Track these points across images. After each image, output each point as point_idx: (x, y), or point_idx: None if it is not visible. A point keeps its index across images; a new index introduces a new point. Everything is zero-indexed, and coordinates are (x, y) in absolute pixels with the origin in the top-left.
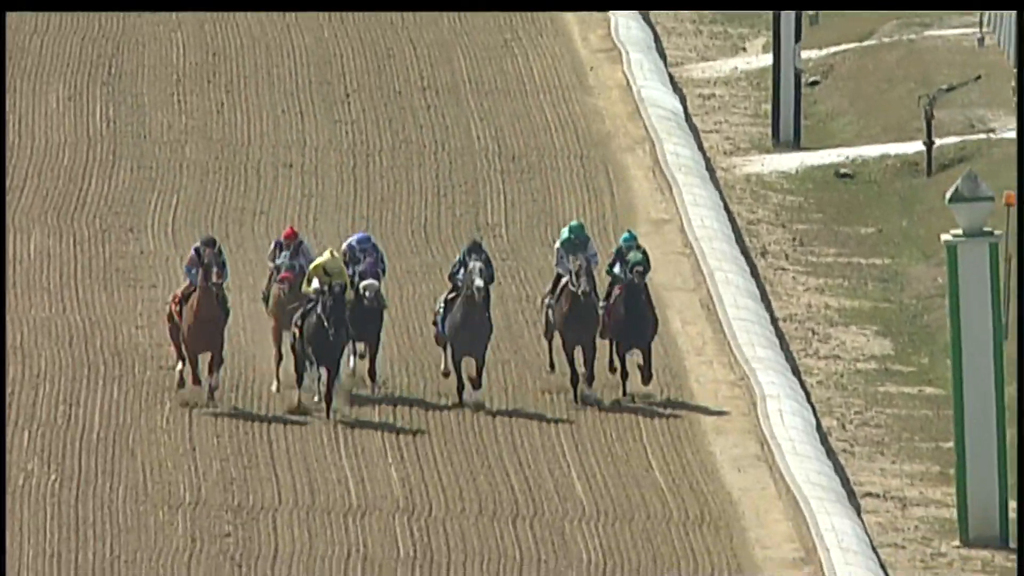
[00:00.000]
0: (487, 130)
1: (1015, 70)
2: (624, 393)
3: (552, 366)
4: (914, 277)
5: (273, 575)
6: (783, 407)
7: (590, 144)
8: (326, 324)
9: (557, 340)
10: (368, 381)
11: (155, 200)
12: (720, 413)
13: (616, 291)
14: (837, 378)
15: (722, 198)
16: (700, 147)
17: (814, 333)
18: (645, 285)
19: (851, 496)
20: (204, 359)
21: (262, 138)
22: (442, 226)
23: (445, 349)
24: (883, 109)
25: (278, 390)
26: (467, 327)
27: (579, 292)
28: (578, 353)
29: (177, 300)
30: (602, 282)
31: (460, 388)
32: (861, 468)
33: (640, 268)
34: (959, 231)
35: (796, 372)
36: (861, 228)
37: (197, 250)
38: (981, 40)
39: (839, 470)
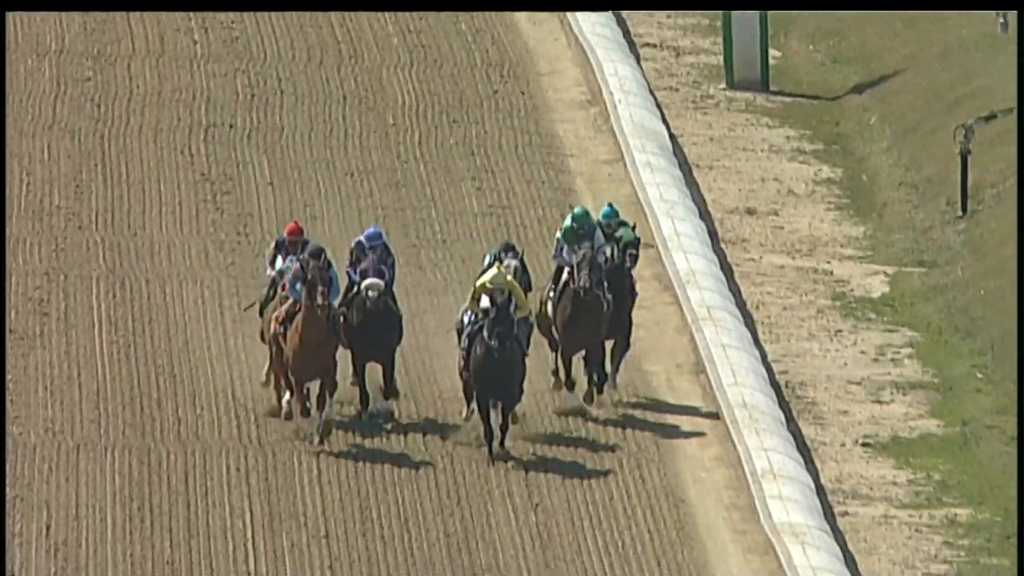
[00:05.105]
0: None
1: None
2: (599, 391)
3: (557, 371)
4: None
5: (128, 113)
6: None
7: None
8: (492, 346)
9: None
10: (382, 396)
11: None
12: None
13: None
14: None
15: None
16: None
17: None
18: (629, 271)
19: (632, 46)
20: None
21: None
22: None
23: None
24: None
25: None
26: None
27: (579, 288)
28: (580, 357)
29: (280, 320)
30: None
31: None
32: (640, 21)
33: (635, 251)
34: None
35: None
36: None
37: (302, 263)
38: (1005, 25)
39: (620, 22)
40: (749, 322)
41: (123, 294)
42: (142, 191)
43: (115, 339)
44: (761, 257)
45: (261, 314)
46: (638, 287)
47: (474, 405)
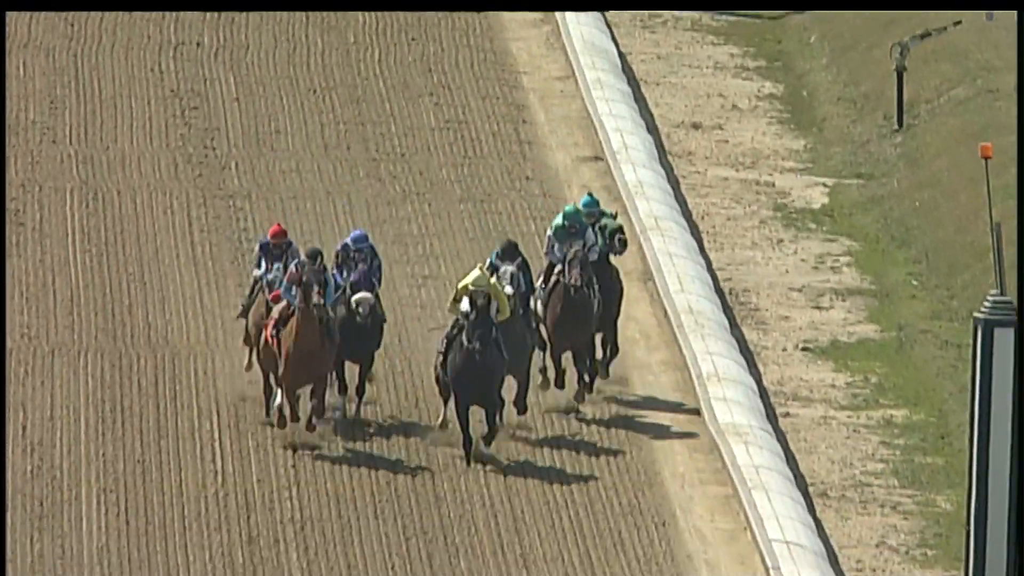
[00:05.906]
0: None
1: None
2: (589, 389)
3: (545, 369)
4: None
5: (100, 32)
6: None
7: None
8: (473, 349)
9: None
10: (355, 397)
11: None
12: None
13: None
14: None
15: None
16: None
17: None
18: (611, 258)
19: None
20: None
21: None
22: None
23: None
24: None
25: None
26: (505, 344)
27: (570, 284)
28: (570, 355)
29: (274, 323)
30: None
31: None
32: None
33: (623, 235)
34: None
35: None
36: None
37: (298, 265)
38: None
39: None
40: (695, 232)
41: (95, 205)
42: (113, 107)
43: (88, 248)
44: (706, 170)
45: (245, 316)
46: (621, 274)
47: (450, 412)
